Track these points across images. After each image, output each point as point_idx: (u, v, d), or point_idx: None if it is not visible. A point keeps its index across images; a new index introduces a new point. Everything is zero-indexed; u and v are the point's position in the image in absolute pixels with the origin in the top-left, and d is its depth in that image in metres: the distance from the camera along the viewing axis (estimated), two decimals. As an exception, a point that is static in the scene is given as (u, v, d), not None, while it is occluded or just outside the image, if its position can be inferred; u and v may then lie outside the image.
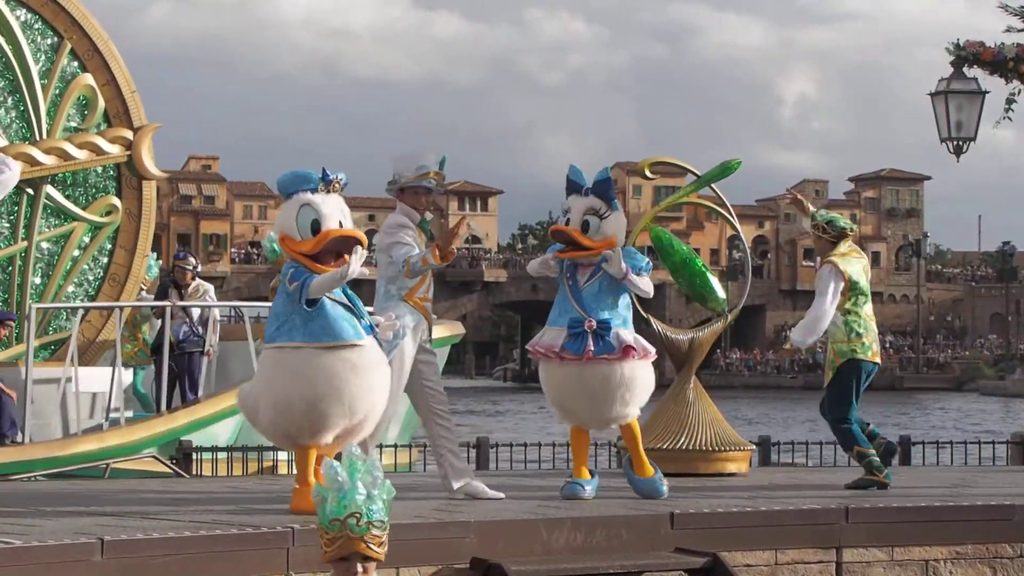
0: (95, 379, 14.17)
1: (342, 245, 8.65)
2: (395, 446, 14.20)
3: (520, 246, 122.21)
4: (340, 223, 8.69)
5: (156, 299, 15.58)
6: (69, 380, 13.85)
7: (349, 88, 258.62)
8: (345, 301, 8.72)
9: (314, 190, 8.72)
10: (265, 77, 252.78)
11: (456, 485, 9.71)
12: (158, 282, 16.47)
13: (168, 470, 13.05)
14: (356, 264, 8.58)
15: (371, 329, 8.80)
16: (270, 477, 12.92)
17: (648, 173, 12.46)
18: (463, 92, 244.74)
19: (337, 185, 8.83)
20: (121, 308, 14.26)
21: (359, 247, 8.61)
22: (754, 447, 12.51)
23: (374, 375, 8.68)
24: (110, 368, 14.10)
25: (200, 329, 15.55)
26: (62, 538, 7.41)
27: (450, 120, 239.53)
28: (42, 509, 8.85)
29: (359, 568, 5.05)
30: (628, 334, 9.84)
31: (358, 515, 4.98)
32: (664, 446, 11.66)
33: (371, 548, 5.05)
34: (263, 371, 8.82)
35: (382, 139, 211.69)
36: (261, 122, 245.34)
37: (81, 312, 14.33)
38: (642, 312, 12.35)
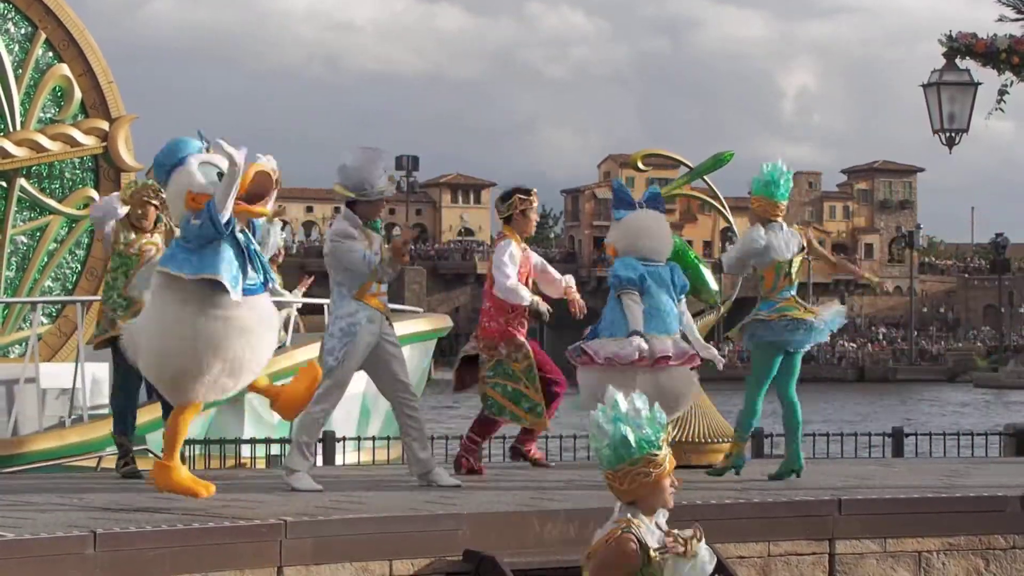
0: (61, 375, 13.82)
1: (266, 180, 8.75)
2: (381, 438, 14.17)
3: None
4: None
5: None
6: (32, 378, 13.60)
7: (352, 82, 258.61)
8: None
9: (199, 151, 8.81)
10: (267, 71, 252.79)
11: (415, 474, 10.06)
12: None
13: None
14: (238, 154, 8.59)
15: (263, 286, 8.82)
16: (257, 470, 12.92)
17: (641, 165, 12.46)
18: (465, 85, 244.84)
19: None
20: (83, 303, 13.81)
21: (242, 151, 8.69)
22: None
23: (254, 334, 8.66)
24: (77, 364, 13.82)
25: None
26: (55, 531, 7.40)
27: (453, 114, 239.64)
28: (34, 502, 8.84)
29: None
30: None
31: (654, 441, 5.44)
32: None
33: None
34: (148, 308, 8.78)
35: (384, 133, 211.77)
36: (263, 116, 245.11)
37: (47, 307, 14.08)
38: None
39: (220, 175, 8.60)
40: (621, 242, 10.69)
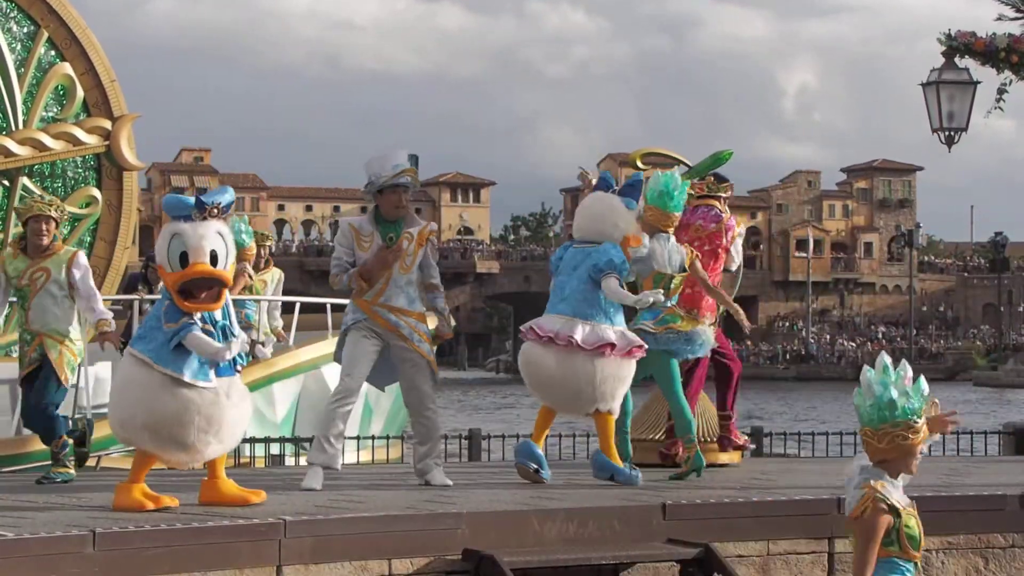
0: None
1: (201, 285, 8.44)
2: (385, 438, 14.18)
3: (512, 237, 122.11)
4: (215, 252, 8.45)
5: (124, 293, 14.99)
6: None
7: (352, 81, 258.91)
8: (213, 329, 8.57)
9: (187, 218, 8.45)
10: (268, 70, 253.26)
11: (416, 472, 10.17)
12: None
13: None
14: (234, 352, 8.49)
15: (233, 365, 8.63)
16: (258, 469, 12.91)
17: (640, 164, 12.45)
18: (466, 85, 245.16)
19: (215, 211, 8.49)
20: None
21: (236, 341, 8.51)
22: (746, 438, 12.51)
23: (209, 413, 8.46)
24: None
25: None
26: (54, 530, 7.41)
27: (452, 113, 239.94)
28: (34, 501, 8.84)
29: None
30: None
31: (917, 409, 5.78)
32: (656, 437, 11.66)
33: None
34: (119, 376, 8.72)
35: (385, 132, 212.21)
36: (264, 115, 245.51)
37: None
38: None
39: (182, 255, 8.37)
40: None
